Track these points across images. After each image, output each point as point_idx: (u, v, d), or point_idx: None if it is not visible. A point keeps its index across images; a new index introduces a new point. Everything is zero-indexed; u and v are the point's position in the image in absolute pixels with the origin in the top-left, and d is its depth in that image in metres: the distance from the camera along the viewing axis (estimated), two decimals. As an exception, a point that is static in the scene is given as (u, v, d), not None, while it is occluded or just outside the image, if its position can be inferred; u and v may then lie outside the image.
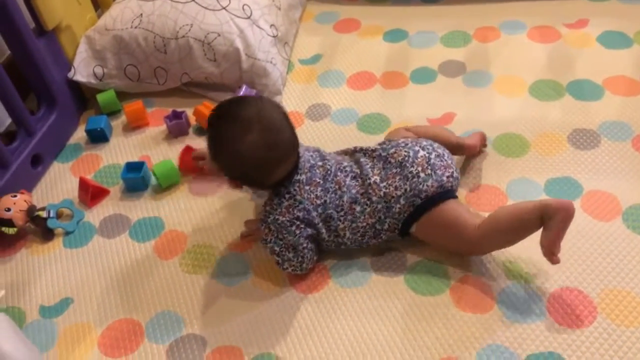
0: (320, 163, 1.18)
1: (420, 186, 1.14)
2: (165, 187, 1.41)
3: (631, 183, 1.27)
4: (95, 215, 1.40)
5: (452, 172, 1.18)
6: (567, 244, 1.11)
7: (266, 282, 1.20)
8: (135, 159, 1.53)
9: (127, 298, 1.21)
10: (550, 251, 1.05)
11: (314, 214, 1.14)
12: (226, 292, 1.19)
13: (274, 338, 1.10)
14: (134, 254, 1.30)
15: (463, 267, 1.16)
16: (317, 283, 1.18)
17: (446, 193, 1.16)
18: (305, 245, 1.15)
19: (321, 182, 1.15)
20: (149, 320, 1.17)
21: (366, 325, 1.10)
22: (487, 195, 1.28)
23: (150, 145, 1.57)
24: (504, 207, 1.15)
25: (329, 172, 1.17)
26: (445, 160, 1.18)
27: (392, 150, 1.18)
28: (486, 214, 1.15)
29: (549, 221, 1.04)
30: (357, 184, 1.16)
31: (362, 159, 1.19)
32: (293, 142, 1.11)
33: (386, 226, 1.16)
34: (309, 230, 1.15)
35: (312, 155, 1.19)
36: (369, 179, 1.15)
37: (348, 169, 1.18)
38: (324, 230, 1.16)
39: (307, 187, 1.14)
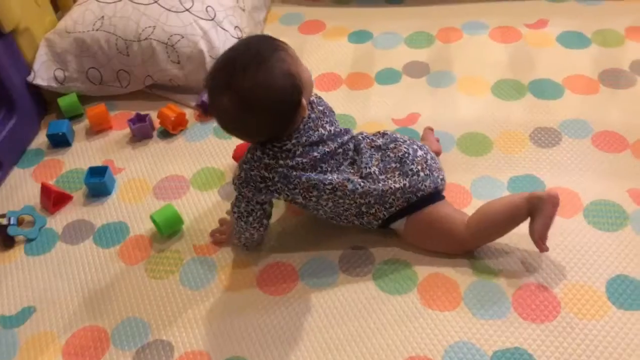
0: (325, 146, 1.13)
1: (419, 185, 1.15)
2: (166, 234, 1.30)
3: (591, 179, 1.30)
4: (57, 222, 1.37)
5: (443, 175, 1.21)
6: (530, 239, 1.13)
7: (234, 285, 1.19)
8: (98, 163, 1.50)
9: (92, 305, 1.19)
10: (542, 241, 1.11)
11: (294, 181, 1.11)
12: (193, 297, 1.18)
13: (242, 342, 1.10)
14: (99, 260, 1.28)
15: (430, 265, 1.17)
16: (286, 284, 1.18)
17: (438, 194, 1.18)
18: (264, 210, 1.16)
19: (318, 156, 1.12)
20: (114, 327, 1.15)
21: (335, 326, 1.10)
22: (451, 194, 1.29)
23: (114, 149, 1.55)
24: (491, 202, 1.17)
25: (329, 153, 1.13)
26: (437, 162, 1.21)
27: (392, 145, 1.18)
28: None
29: (537, 212, 1.10)
30: (353, 170, 1.15)
31: (362, 145, 1.18)
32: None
33: (373, 211, 1.16)
34: (276, 195, 1.14)
35: (322, 134, 1.13)
36: (369, 167, 1.15)
37: (350, 153, 1.17)
38: (299, 197, 1.14)
39: (298, 159, 1.10)
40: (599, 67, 1.59)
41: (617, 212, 1.23)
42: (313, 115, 1.14)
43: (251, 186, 1.13)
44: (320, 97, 1.19)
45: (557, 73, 1.59)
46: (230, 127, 1.11)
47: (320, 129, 1.13)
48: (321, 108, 1.17)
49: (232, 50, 1.09)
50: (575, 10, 1.83)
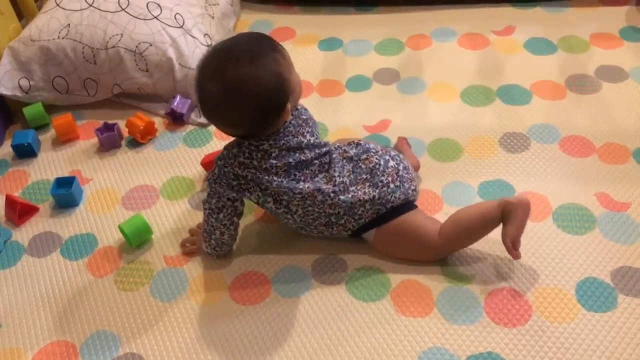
0: (302, 154, 1.13)
1: (389, 196, 1.15)
2: (135, 246, 1.28)
3: (560, 184, 1.32)
4: (23, 234, 1.34)
5: (415, 186, 1.21)
6: (502, 245, 1.14)
7: (205, 296, 1.17)
8: (65, 173, 1.48)
9: (60, 319, 1.16)
10: (515, 246, 1.11)
11: (265, 185, 1.12)
12: (164, 308, 1.16)
13: (214, 353, 1.08)
14: (66, 272, 1.25)
15: (403, 271, 1.17)
16: (258, 294, 1.17)
17: (409, 204, 1.18)
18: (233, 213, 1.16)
19: (292, 163, 1.12)
20: (83, 341, 1.12)
21: (308, 334, 1.09)
22: (423, 200, 1.29)
23: (82, 159, 1.52)
24: (463, 209, 1.18)
25: (304, 162, 1.13)
26: (410, 172, 1.21)
27: (364, 156, 1.18)
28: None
29: (509, 218, 1.11)
30: (325, 181, 1.15)
31: (334, 155, 1.18)
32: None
33: (342, 221, 1.16)
34: (247, 195, 1.14)
35: (302, 141, 1.14)
36: (341, 177, 1.15)
37: (325, 166, 1.16)
38: (270, 199, 1.14)
39: (272, 161, 1.11)
40: (566, 73, 1.62)
41: (585, 215, 1.25)
42: (294, 122, 1.14)
43: (224, 182, 1.13)
44: (306, 108, 1.20)
45: (524, 79, 1.61)
46: (211, 114, 1.12)
47: (300, 136, 1.13)
48: (305, 117, 1.17)
49: (231, 40, 1.11)
50: (541, 17, 1.86)
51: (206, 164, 1.39)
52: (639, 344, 1.03)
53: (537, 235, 1.21)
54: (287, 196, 1.13)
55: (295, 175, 1.13)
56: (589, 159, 1.37)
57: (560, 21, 1.83)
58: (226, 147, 1.15)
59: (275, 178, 1.11)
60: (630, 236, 1.20)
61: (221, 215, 1.16)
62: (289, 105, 1.09)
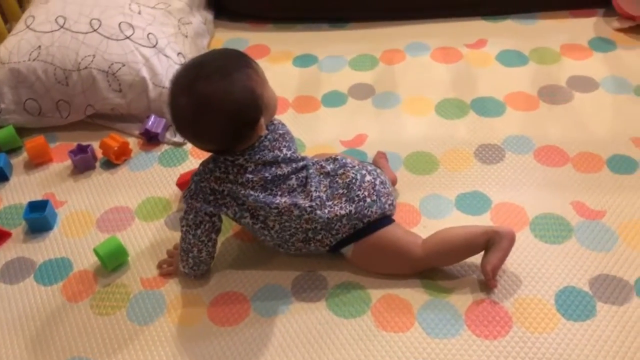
0: (278, 169, 1.13)
1: (365, 211, 1.15)
2: (111, 269, 1.25)
3: (536, 193, 1.33)
4: (-5, 260, 1.31)
5: (392, 200, 1.21)
6: (479, 256, 1.14)
7: (184, 318, 1.16)
8: (38, 197, 1.45)
9: (34, 347, 1.14)
10: (494, 274, 1.12)
11: (242, 199, 1.11)
12: (141, 332, 1.14)
13: (194, 376, 1.06)
14: (40, 298, 1.22)
15: (383, 286, 1.17)
16: (237, 314, 1.15)
17: (386, 219, 1.18)
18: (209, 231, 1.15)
19: (269, 177, 1.11)
20: (58, 368, 1.10)
21: (288, 353, 1.08)
22: (401, 213, 1.29)
23: (55, 182, 1.49)
24: (451, 229, 1.18)
25: (280, 177, 1.13)
26: (387, 187, 1.21)
27: (341, 171, 1.18)
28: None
29: (493, 246, 1.12)
30: (302, 196, 1.14)
31: (310, 170, 1.17)
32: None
33: (319, 237, 1.16)
34: (224, 210, 1.13)
35: (278, 155, 1.14)
36: (317, 191, 1.14)
37: (303, 180, 1.16)
38: (247, 214, 1.13)
39: (248, 176, 1.10)
40: (538, 84, 1.64)
41: (561, 224, 1.26)
42: (270, 137, 1.14)
43: (200, 197, 1.12)
44: (283, 123, 1.20)
45: (498, 91, 1.63)
46: (184, 130, 1.12)
47: (277, 150, 1.13)
48: (281, 132, 1.17)
49: (203, 56, 1.12)
50: (512, 29, 1.88)
51: (182, 184, 1.38)
52: (618, 352, 1.03)
53: (515, 245, 1.21)
54: (264, 211, 1.12)
55: (272, 190, 1.12)
56: (564, 169, 1.39)
57: (530, 33, 1.85)
58: (202, 164, 1.15)
59: (251, 192, 1.10)
60: (606, 244, 1.21)
61: (199, 232, 1.14)
62: (262, 120, 1.09)
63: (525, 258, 1.20)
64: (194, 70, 1.07)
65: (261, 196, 1.11)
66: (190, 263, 1.18)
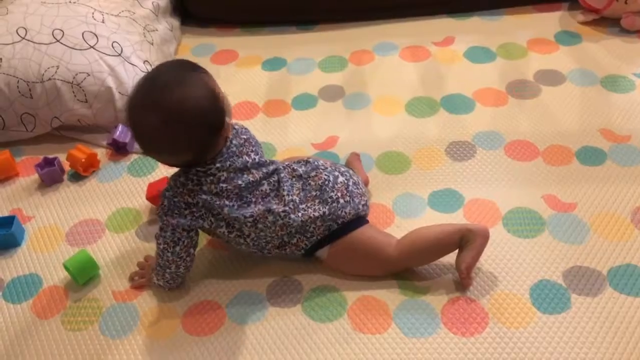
0: (250, 175, 1.12)
1: (339, 212, 1.14)
2: (82, 283, 1.23)
3: (507, 188, 1.34)
4: (-38, 280, 1.28)
5: (366, 200, 1.21)
6: (454, 255, 1.14)
7: (158, 330, 1.14)
8: (5, 213, 1.42)
9: (4, 367, 1.11)
10: (468, 273, 1.11)
11: (217, 209, 1.10)
12: (115, 346, 1.12)
13: (170, 388, 1.05)
14: (9, 317, 1.19)
15: (358, 288, 1.16)
16: (213, 324, 1.13)
17: (360, 219, 1.17)
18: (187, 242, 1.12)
19: (242, 185, 1.10)
20: (30, 388, 1.07)
21: (266, 361, 1.07)
22: (374, 214, 1.29)
23: (22, 196, 1.46)
24: (424, 228, 1.17)
25: (253, 183, 1.11)
26: (360, 188, 1.20)
27: (313, 173, 1.17)
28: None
29: (467, 245, 1.12)
30: (276, 201, 1.12)
31: (282, 174, 1.16)
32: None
33: (294, 241, 1.15)
34: (201, 222, 1.11)
35: (247, 161, 1.12)
36: (290, 195, 1.13)
37: (275, 185, 1.14)
38: (223, 224, 1.12)
39: (222, 185, 1.08)
40: (506, 79, 1.65)
41: (534, 218, 1.26)
42: (235, 142, 1.12)
43: (175, 214, 1.09)
44: (245, 128, 1.18)
45: (467, 87, 1.64)
46: (153, 147, 1.08)
47: (245, 156, 1.12)
48: (245, 137, 1.15)
49: (152, 72, 1.09)
50: (479, 26, 1.89)
51: (151, 198, 1.35)
52: (594, 342, 1.04)
53: (488, 241, 1.22)
54: (238, 222, 1.11)
55: (246, 197, 1.10)
56: (534, 162, 1.39)
57: (497, 29, 1.86)
58: (172, 178, 1.12)
59: (227, 202, 1.09)
60: (578, 236, 1.22)
61: (177, 249, 1.12)
62: (227, 120, 1.08)
63: (499, 253, 1.20)
64: (148, 87, 1.04)
65: (236, 206, 1.09)
66: (167, 277, 1.16)
